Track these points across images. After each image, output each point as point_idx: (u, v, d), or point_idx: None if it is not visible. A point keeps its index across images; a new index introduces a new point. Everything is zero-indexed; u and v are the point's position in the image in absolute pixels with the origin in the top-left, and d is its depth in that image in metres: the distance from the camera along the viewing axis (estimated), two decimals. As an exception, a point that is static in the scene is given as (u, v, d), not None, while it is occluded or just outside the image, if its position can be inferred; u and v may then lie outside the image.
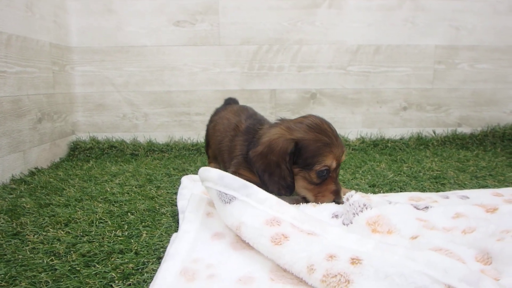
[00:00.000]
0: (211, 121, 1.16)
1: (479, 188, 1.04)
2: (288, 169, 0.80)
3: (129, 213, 0.81)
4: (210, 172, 0.68)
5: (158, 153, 1.54)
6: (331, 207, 0.76)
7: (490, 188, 1.02)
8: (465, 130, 1.77)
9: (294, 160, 0.81)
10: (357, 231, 0.64)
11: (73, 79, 1.61)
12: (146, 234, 0.70)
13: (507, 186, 1.05)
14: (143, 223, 0.76)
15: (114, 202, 0.89)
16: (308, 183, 0.82)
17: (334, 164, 0.80)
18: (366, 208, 0.67)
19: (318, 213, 0.74)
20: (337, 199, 0.81)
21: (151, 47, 1.63)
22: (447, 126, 1.78)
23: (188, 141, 1.66)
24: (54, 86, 1.43)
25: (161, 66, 1.64)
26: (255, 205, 0.63)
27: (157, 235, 0.70)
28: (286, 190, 0.82)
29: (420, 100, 1.76)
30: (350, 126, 1.75)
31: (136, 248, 0.64)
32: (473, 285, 0.42)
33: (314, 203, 0.79)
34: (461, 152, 1.54)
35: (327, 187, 0.82)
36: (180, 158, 1.47)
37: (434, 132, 1.76)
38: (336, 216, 0.73)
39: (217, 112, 1.19)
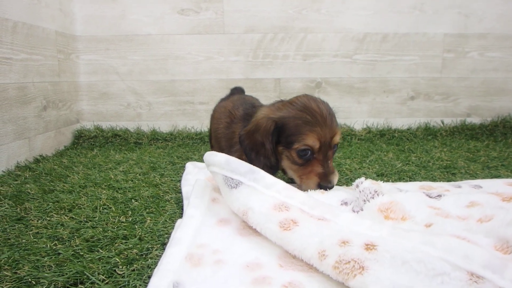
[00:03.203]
0: (213, 110, 1.16)
1: (492, 178, 1.00)
2: (271, 149, 0.78)
3: (133, 200, 0.81)
4: (216, 157, 0.67)
5: (161, 142, 1.53)
6: (340, 194, 0.73)
7: (503, 178, 0.98)
8: (475, 120, 1.73)
9: (279, 139, 0.79)
10: (368, 218, 0.61)
11: (78, 67, 1.60)
12: (150, 220, 0.69)
13: (521, 176, 1.02)
14: (147, 210, 0.75)
15: (118, 189, 0.89)
16: (291, 163, 0.79)
17: (316, 145, 0.75)
18: (378, 195, 0.64)
19: (327, 200, 0.71)
20: (324, 183, 0.75)
21: (155, 36, 1.62)
22: (456, 116, 1.74)
23: (191, 130, 1.65)
24: (59, 74, 1.43)
25: (165, 54, 1.63)
26: (263, 190, 0.61)
27: (161, 221, 0.69)
28: (269, 170, 0.78)
29: (428, 90, 1.72)
30: (356, 116, 1.72)
31: (140, 234, 0.63)
32: (497, 272, 0.40)
33: (322, 190, 0.76)
34: (470, 143, 1.50)
35: (312, 169, 0.77)
36: (183, 147, 1.47)
37: (443, 122, 1.73)
38: (346, 203, 0.70)
39: (220, 101, 1.19)
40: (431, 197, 0.70)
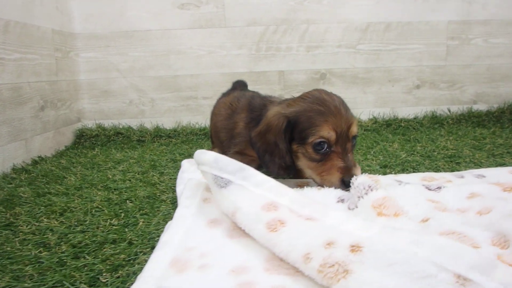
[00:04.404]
0: (213, 107, 1.14)
1: (496, 166, 0.98)
2: (285, 148, 0.74)
3: (128, 201, 0.79)
4: (206, 155, 0.65)
5: (165, 139, 1.51)
6: (336, 191, 0.70)
7: (508, 166, 0.97)
8: (481, 107, 1.71)
9: (292, 137, 0.75)
10: (362, 215, 0.60)
11: (78, 65, 1.58)
12: (142, 222, 0.68)
13: (525, 164, 1.00)
14: (141, 211, 0.73)
15: (114, 189, 0.87)
16: (309, 161, 0.74)
17: (332, 136, 0.70)
18: (372, 190, 0.62)
19: (323, 197, 0.69)
20: (347, 178, 0.69)
21: (156, 31, 1.59)
22: (462, 103, 1.72)
23: (196, 125, 1.63)
24: (57, 73, 1.40)
25: (166, 50, 1.61)
26: (252, 189, 0.59)
27: (154, 222, 0.68)
28: (285, 171, 0.76)
29: (433, 78, 1.70)
30: (362, 106, 1.70)
31: (130, 237, 0.62)
32: (485, 273, 0.38)
33: (319, 187, 0.73)
34: (477, 130, 1.48)
35: (332, 164, 0.71)
36: (187, 143, 1.45)
37: (449, 110, 1.71)
38: (342, 200, 0.67)
39: (221, 96, 1.17)
40: (430, 190, 0.68)
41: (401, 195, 0.63)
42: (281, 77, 1.66)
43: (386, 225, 0.50)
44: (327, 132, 0.71)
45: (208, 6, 1.59)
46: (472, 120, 1.63)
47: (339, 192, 0.70)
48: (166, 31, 1.60)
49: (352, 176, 0.71)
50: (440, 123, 1.62)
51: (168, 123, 1.65)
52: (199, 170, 0.66)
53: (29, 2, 1.24)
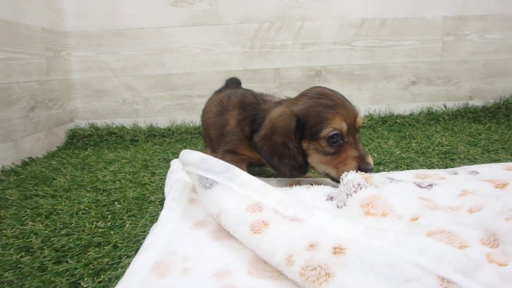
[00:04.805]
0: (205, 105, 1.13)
1: (491, 162, 0.98)
2: (296, 148, 0.73)
3: (116, 202, 0.78)
4: (191, 155, 0.64)
5: (159, 138, 1.49)
6: (326, 189, 0.70)
7: (502, 161, 0.97)
8: (477, 103, 1.71)
9: (301, 135, 0.74)
10: (349, 214, 0.59)
11: (70, 64, 1.56)
12: (129, 224, 0.67)
13: (519, 159, 1.00)
14: (129, 213, 0.72)
15: (103, 190, 0.86)
16: (322, 155, 0.73)
17: (344, 127, 0.71)
18: (361, 188, 0.61)
19: (312, 195, 0.68)
20: (363, 166, 0.70)
21: (149, 29, 1.57)
22: (458, 99, 1.72)
23: (190, 124, 1.62)
24: (48, 73, 1.38)
25: (160, 48, 1.59)
26: (237, 189, 0.58)
27: (140, 224, 0.66)
28: (298, 171, 0.75)
29: (429, 74, 1.69)
30: (358, 103, 1.65)
31: (115, 240, 0.61)
32: (468, 275, 0.38)
33: (308, 185, 0.72)
34: (472, 126, 1.48)
35: (348, 154, 0.71)
36: (181, 143, 1.43)
37: (445, 106, 1.70)
38: (331, 198, 0.67)
39: (213, 94, 1.16)
40: (421, 187, 0.67)
41: (392, 193, 0.63)
42: (276, 75, 1.65)
43: (371, 226, 0.50)
44: (339, 124, 0.71)
45: (202, 4, 1.57)
46: (468, 116, 1.63)
47: (329, 190, 0.69)
48: (159, 29, 1.58)
49: (368, 164, 0.71)
50: (436, 119, 1.61)
51: (162, 122, 1.63)
52: (185, 170, 0.65)
53: (17, 1, 1.22)
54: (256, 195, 0.56)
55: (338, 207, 0.63)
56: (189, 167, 0.63)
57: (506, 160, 1.00)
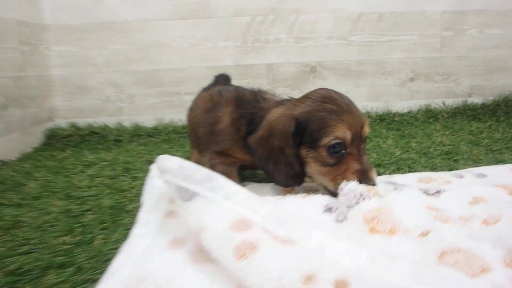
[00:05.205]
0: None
1: (496, 163, 0.94)
2: (294, 154, 0.66)
3: (89, 212, 0.69)
4: (169, 161, 0.54)
5: (144, 138, 1.40)
6: (323, 198, 0.62)
7: (508, 163, 0.93)
8: (476, 100, 1.66)
9: (300, 141, 0.66)
10: (351, 231, 0.51)
11: (49, 60, 1.45)
12: (100, 239, 0.59)
13: (526, 160, 0.96)
14: (102, 224, 0.64)
15: (77, 198, 0.77)
16: (321, 166, 0.65)
17: (348, 136, 0.63)
18: (364, 199, 0.53)
19: (307, 206, 0.60)
20: (365, 182, 0.62)
21: (135, 22, 1.48)
22: (457, 96, 1.67)
23: (179, 123, 1.53)
24: (24, 69, 1.28)
25: (147, 42, 1.50)
26: (221, 202, 0.49)
27: (113, 239, 0.58)
28: (294, 180, 0.67)
29: (427, 70, 1.64)
30: (355, 100, 1.59)
31: (81, 260, 0.52)
32: None
33: (303, 195, 0.64)
34: (473, 124, 1.44)
35: (348, 167, 0.64)
36: (168, 143, 1.35)
37: (444, 104, 1.65)
38: (330, 209, 0.59)
39: (201, 91, 1.07)
40: (429, 194, 0.61)
41: (397, 202, 0.56)
42: (269, 71, 1.57)
43: (378, 248, 0.42)
44: (342, 132, 0.63)
45: (191, -5, 1.48)
46: (467, 113, 1.58)
47: (326, 199, 0.61)
48: (146, 22, 1.48)
49: (371, 181, 0.63)
50: (435, 117, 1.56)
51: (148, 121, 1.54)
52: (163, 179, 0.56)
53: (-12, -11, 1.12)
54: (243, 209, 0.48)
55: (338, 220, 0.56)
56: (167, 175, 0.54)
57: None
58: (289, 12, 1.54)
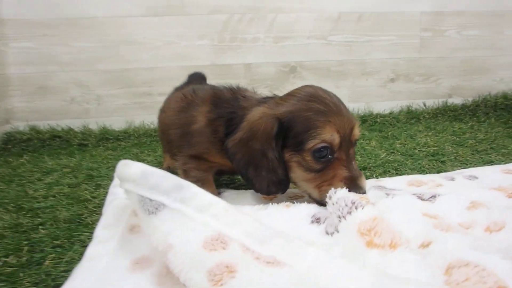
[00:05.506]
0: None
1: (484, 164, 0.93)
2: (277, 158, 0.59)
3: (40, 227, 0.61)
4: (131, 168, 0.46)
5: (112, 142, 1.30)
6: (310, 207, 0.55)
7: (496, 163, 0.91)
8: (456, 100, 1.65)
9: (283, 143, 0.60)
10: (345, 246, 0.45)
11: (6, 57, 1.34)
12: (51, 260, 0.50)
13: (512, 160, 0.94)
14: (55, 241, 0.56)
15: (29, 210, 0.68)
16: (305, 171, 0.60)
17: (336, 139, 0.58)
18: (356, 208, 0.47)
19: (292, 217, 0.54)
20: (354, 190, 0.56)
21: (103, 19, 1.38)
22: (437, 97, 1.66)
23: (150, 126, 1.43)
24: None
25: (116, 40, 1.40)
26: (193, 215, 0.42)
27: (66, 259, 0.50)
28: (277, 187, 0.60)
29: (408, 71, 1.62)
30: None
31: (25, 287, 0.44)
32: None
33: (287, 203, 0.58)
34: (455, 125, 1.43)
35: (336, 173, 0.58)
36: (138, 147, 1.25)
37: (425, 104, 1.63)
38: (318, 220, 0.52)
39: (173, 91, 0.99)
40: (423, 200, 0.56)
41: (392, 211, 0.50)
42: (247, 71, 1.51)
43: (378, 266, 0.36)
44: (330, 135, 0.57)
45: (164, -9, 1.40)
46: (448, 114, 1.57)
47: (313, 209, 0.55)
48: (116, 19, 1.39)
49: (360, 189, 0.57)
50: (416, 118, 1.54)
51: (117, 124, 1.43)
52: (123, 189, 0.48)
53: None
54: (218, 224, 0.41)
55: (327, 233, 0.49)
56: (128, 184, 0.46)
57: (499, 160, 0.95)
58: (267, 11, 1.48)
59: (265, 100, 0.66)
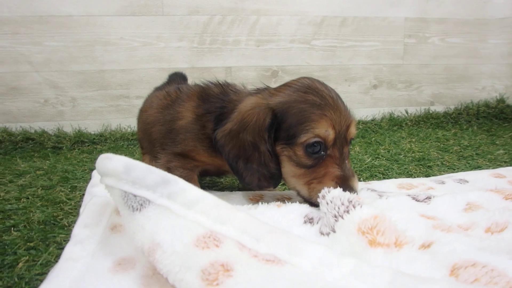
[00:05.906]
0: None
1: (472, 169, 0.93)
2: (269, 151, 0.56)
3: (13, 229, 0.58)
4: (112, 161, 0.43)
5: (88, 145, 1.26)
6: (302, 207, 0.53)
7: (483, 168, 0.92)
8: (438, 108, 1.65)
9: (276, 135, 0.57)
10: (344, 246, 0.43)
11: (-25, 56, 1.28)
12: (24, 262, 0.48)
13: (500, 165, 0.93)
14: (29, 243, 0.53)
15: (0, 212, 0.65)
16: (295, 167, 0.57)
17: (331, 135, 0.55)
18: (354, 207, 0.45)
19: (284, 217, 0.51)
20: (345, 190, 0.53)
21: (78, 17, 1.33)
22: (419, 105, 1.65)
23: (127, 129, 1.39)
24: None
25: (91, 40, 1.35)
26: (181, 212, 0.39)
27: (40, 262, 0.48)
28: (269, 181, 0.58)
29: (391, 77, 1.61)
30: None
31: None
32: None
33: (279, 203, 0.55)
34: (438, 132, 1.43)
35: (327, 171, 0.56)
36: (115, 150, 1.21)
37: (407, 112, 1.63)
38: (311, 220, 0.50)
39: (153, 91, 0.95)
40: (418, 201, 0.54)
41: (391, 211, 0.48)
42: (228, 74, 1.48)
43: (392, 266, 0.34)
44: (324, 130, 0.54)
45: (142, -10, 1.36)
46: (430, 121, 1.57)
47: (305, 209, 0.52)
48: (91, 18, 1.34)
49: (352, 189, 0.54)
50: (399, 124, 1.53)
51: (93, 127, 1.39)
52: (103, 184, 0.44)
53: None
54: (209, 221, 0.38)
55: (322, 234, 0.47)
56: (109, 178, 0.43)
57: (486, 166, 0.94)
58: (249, 13, 1.45)
59: (258, 91, 0.63)
